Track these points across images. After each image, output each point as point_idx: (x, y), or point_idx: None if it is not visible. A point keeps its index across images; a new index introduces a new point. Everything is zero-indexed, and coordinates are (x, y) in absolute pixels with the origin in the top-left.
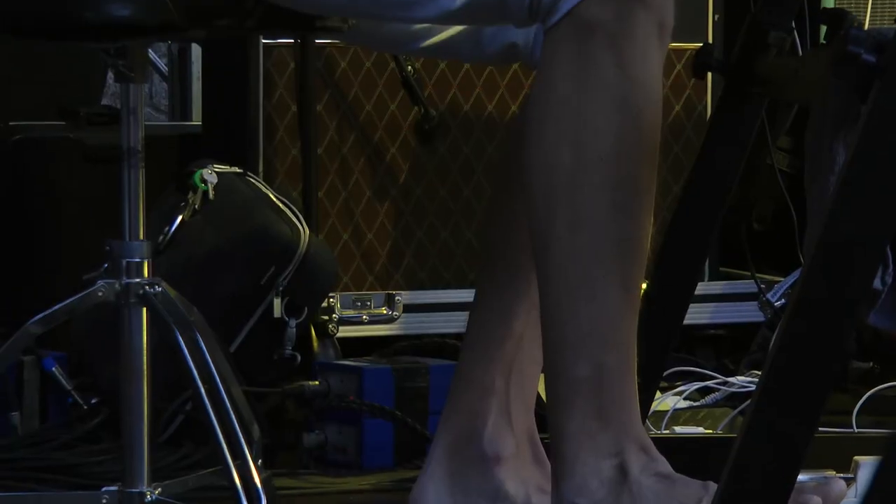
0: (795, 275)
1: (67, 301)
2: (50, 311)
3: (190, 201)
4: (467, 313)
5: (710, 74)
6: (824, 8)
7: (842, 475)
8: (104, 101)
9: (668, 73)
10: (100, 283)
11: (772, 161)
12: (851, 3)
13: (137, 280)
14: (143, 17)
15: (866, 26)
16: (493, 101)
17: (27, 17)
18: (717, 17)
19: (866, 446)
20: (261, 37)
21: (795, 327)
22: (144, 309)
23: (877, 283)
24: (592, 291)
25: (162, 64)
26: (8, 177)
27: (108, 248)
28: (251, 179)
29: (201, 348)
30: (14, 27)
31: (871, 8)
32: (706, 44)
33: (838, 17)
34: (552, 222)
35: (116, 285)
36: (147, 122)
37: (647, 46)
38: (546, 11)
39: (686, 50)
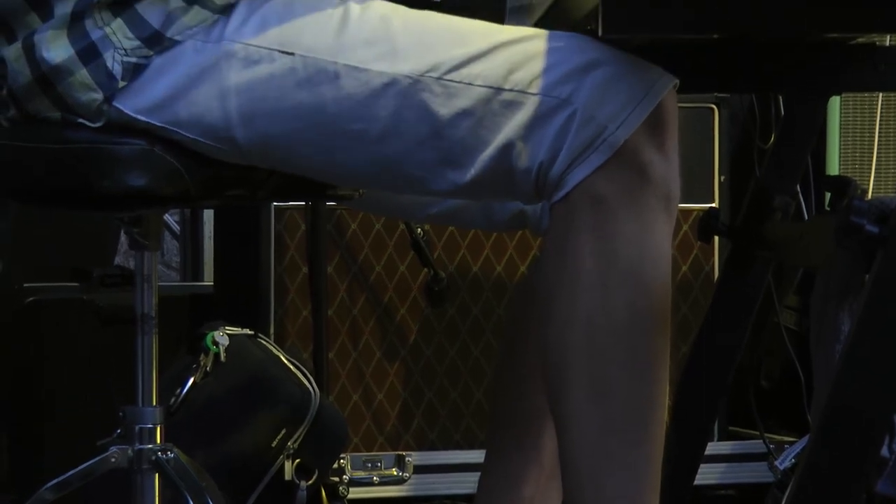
0: (803, 441)
1: (81, 467)
2: (63, 477)
3: (201, 364)
4: (478, 474)
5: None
6: (828, 175)
7: None
8: (117, 259)
9: (675, 233)
10: (113, 448)
11: (779, 319)
12: (856, 169)
13: (150, 446)
14: (160, 187)
15: (870, 193)
16: (502, 263)
17: (45, 187)
18: (723, 178)
19: None
20: None
21: (804, 495)
22: (157, 475)
23: (884, 452)
24: (614, 462)
25: (174, 222)
26: (22, 338)
27: (121, 413)
28: (262, 341)
29: None
30: (32, 197)
31: (875, 173)
32: (712, 208)
33: (842, 185)
34: (569, 396)
35: (129, 451)
36: (159, 283)
37: (653, 219)
38: (552, 187)
39: (693, 211)
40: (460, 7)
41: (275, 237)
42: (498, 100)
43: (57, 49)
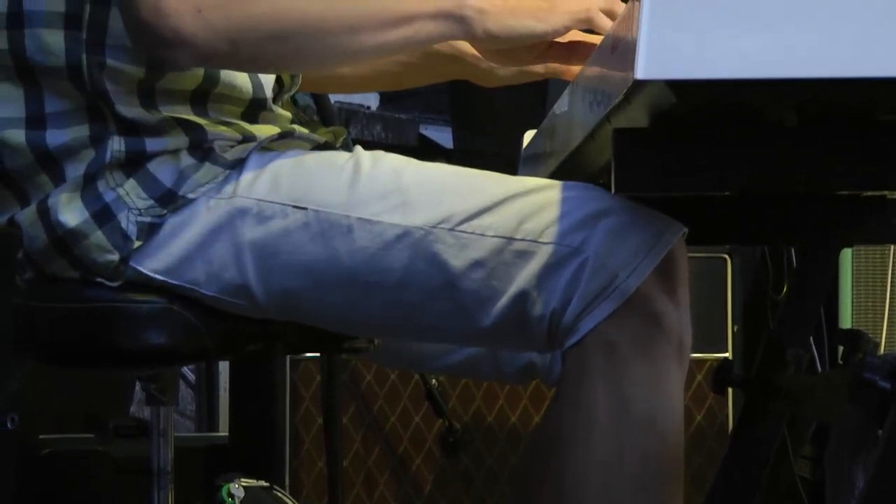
0: None
1: None
2: None
3: None
4: None
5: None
6: (841, 329)
7: None
8: (132, 408)
9: (689, 383)
10: None
11: (793, 469)
12: (868, 321)
13: None
14: (179, 345)
15: (882, 346)
16: (517, 413)
17: (63, 346)
18: (736, 328)
19: None
20: None
21: None
22: None
23: None
24: None
25: (189, 371)
26: (38, 491)
27: None
28: (278, 493)
29: None
30: (50, 357)
31: (888, 326)
32: (725, 360)
33: (855, 339)
34: None
35: None
36: (175, 434)
37: (666, 366)
38: (565, 334)
39: (706, 360)
40: (472, 154)
41: (290, 388)
42: (510, 250)
43: (71, 212)
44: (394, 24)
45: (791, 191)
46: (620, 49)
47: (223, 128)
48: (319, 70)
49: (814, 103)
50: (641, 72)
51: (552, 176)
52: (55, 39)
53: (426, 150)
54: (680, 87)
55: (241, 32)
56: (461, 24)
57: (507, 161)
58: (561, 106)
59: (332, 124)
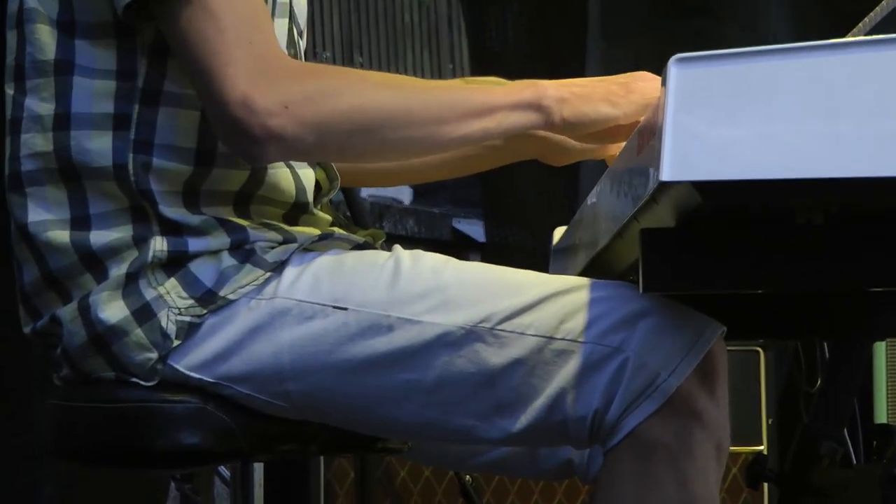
0: None
1: None
2: None
3: None
4: None
5: None
6: (875, 423)
7: None
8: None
9: (724, 477)
10: None
11: None
12: None
13: None
14: (213, 445)
15: None
16: None
17: (97, 447)
18: (770, 420)
19: None
20: None
21: None
22: None
23: None
24: None
25: (224, 469)
26: None
27: None
28: None
29: None
30: (84, 457)
31: None
32: (759, 455)
33: (888, 433)
34: None
35: None
36: None
37: (706, 466)
38: (607, 433)
39: (741, 453)
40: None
41: (325, 485)
42: (550, 349)
43: (112, 310)
44: (476, 116)
45: (821, 289)
46: (647, 149)
47: (265, 229)
48: (403, 160)
49: (840, 202)
50: (667, 173)
51: (583, 272)
52: (102, 141)
53: (459, 244)
54: (705, 188)
55: (328, 126)
56: (541, 113)
57: (540, 253)
58: (591, 197)
59: (364, 223)
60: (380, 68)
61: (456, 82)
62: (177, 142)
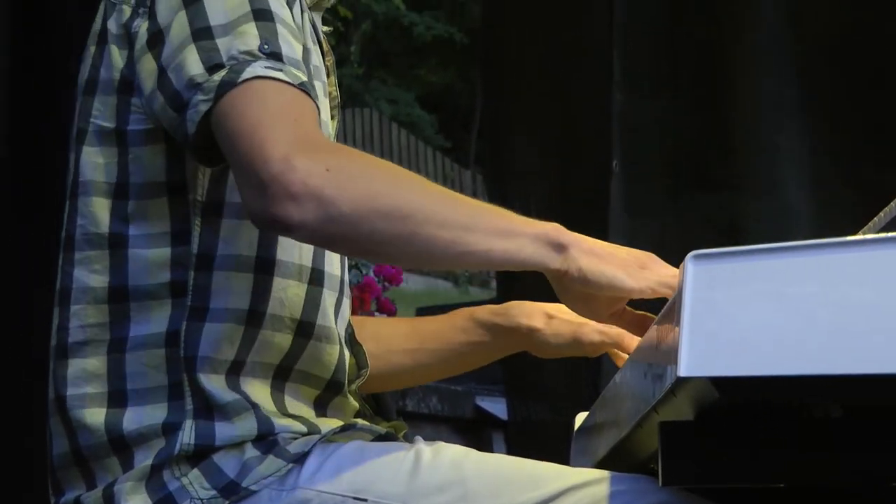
0: None
1: None
2: None
3: None
4: None
5: None
6: None
7: None
8: None
9: None
10: None
11: None
12: None
13: None
14: None
15: None
16: None
17: None
18: None
19: None
20: None
21: None
22: None
23: None
24: None
25: None
26: None
27: None
28: None
29: None
30: None
31: None
32: None
33: None
34: None
35: None
36: None
37: None
38: None
39: None
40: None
41: None
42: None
43: (135, 500)
44: (501, 235)
45: (842, 483)
46: (664, 345)
47: (291, 420)
48: (424, 264)
49: (858, 396)
50: (684, 369)
51: (604, 461)
52: (162, 310)
53: (482, 422)
54: (723, 384)
55: (364, 201)
56: (560, 252)
57: (564, 431)
58: (614, 381)
59: (390, 418)
60: None
61: (483, 203)
62: (230, 304)
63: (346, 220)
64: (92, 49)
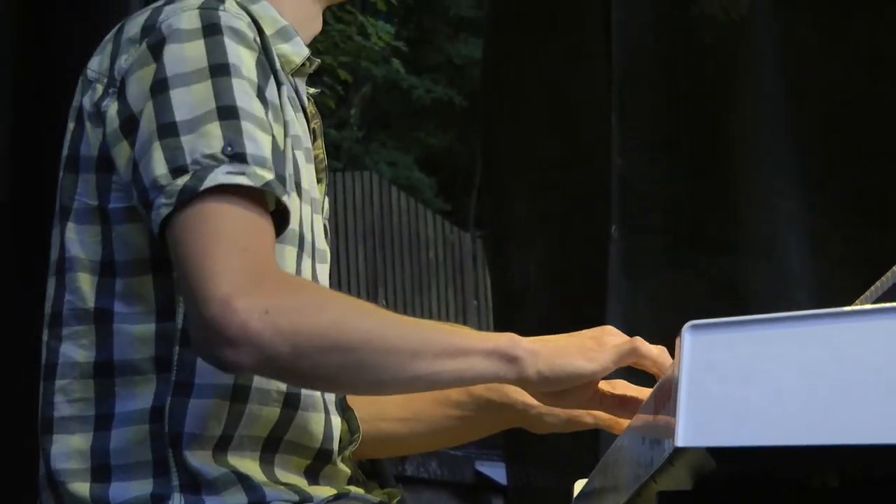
0: None
1: None
2: None
3: None
4: None
5: None
6: None
7: None
8: None
9: None
10: None
11: None
12: None
13: None
14: None
15: None
16: None
17: None
18: None
19: None
20: None
21: None
22: None
23: None
24: None
25: None
26: None
27: None
28: None
29: None
30: None
31: None
32: None
33: None
34: None
35: None
36: None
37: None
38: None
39: None
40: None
41: None
42: None
43: None
44: (450, 356)
45: None
46: (662, 414)
47: (282, 488)
48: (375, 392)
49: (856, 467)
50: (682, 439)
51: None
52: (146, 386)
53: (481, 487)
54: (720, 454)
55: (305, 338)
56: (513, 364)
57: (563, 497)
58: (613, 448)
59: (387, 484)
60: (404, 303)
61: (434, 322)
62: (215, 380)
63: (285, 359)
64: (71, 126)
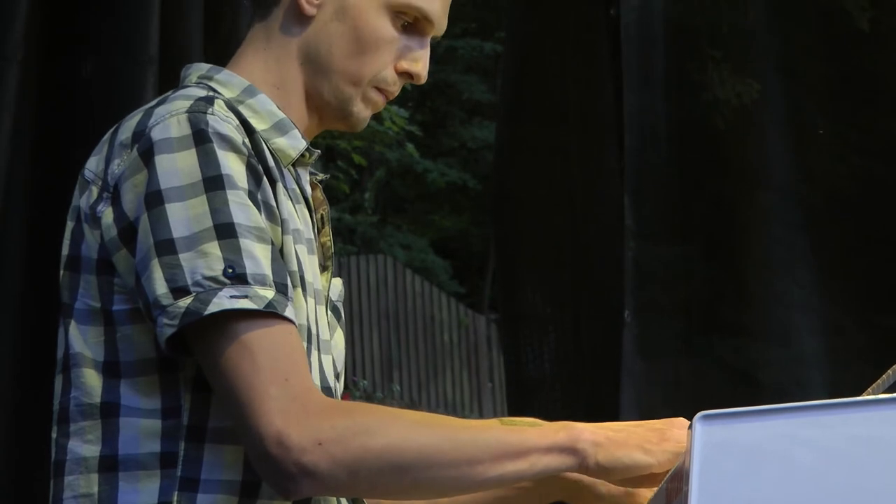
0: None
1: None
2: None
3: None
4: None
5: None
6: None
7: None
8: None
9: None
10: None
11: None
12: None
13: None
14: None
15: None
16: None
17: None
18: None
19: None
20: None
21: None
22: None
23: None
24: None
25: None
26: None
27: None
28: None
29: None
30: None
31: None
32: None
33: None
34: None
35: None
36: None
37: None
38: None
39: None
40: None
41: None
42: None
43: None
44: (511, 458)
45: None
46: (676, 500)
47: None
48: (436, 498)
49: None
50: None
51: None
52: (150, 480)
53: None
54: None
55: (360, 464)
56: (575, 456)
57: None
58: None
59: None
60: (419, 386)
61: (491, 422)
62: (223, 476)
63: (345, 485)
64: (71, 225)
